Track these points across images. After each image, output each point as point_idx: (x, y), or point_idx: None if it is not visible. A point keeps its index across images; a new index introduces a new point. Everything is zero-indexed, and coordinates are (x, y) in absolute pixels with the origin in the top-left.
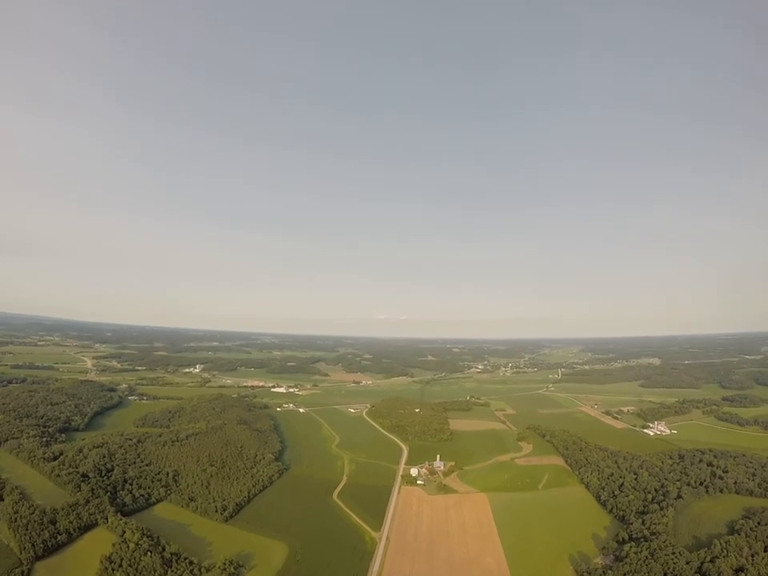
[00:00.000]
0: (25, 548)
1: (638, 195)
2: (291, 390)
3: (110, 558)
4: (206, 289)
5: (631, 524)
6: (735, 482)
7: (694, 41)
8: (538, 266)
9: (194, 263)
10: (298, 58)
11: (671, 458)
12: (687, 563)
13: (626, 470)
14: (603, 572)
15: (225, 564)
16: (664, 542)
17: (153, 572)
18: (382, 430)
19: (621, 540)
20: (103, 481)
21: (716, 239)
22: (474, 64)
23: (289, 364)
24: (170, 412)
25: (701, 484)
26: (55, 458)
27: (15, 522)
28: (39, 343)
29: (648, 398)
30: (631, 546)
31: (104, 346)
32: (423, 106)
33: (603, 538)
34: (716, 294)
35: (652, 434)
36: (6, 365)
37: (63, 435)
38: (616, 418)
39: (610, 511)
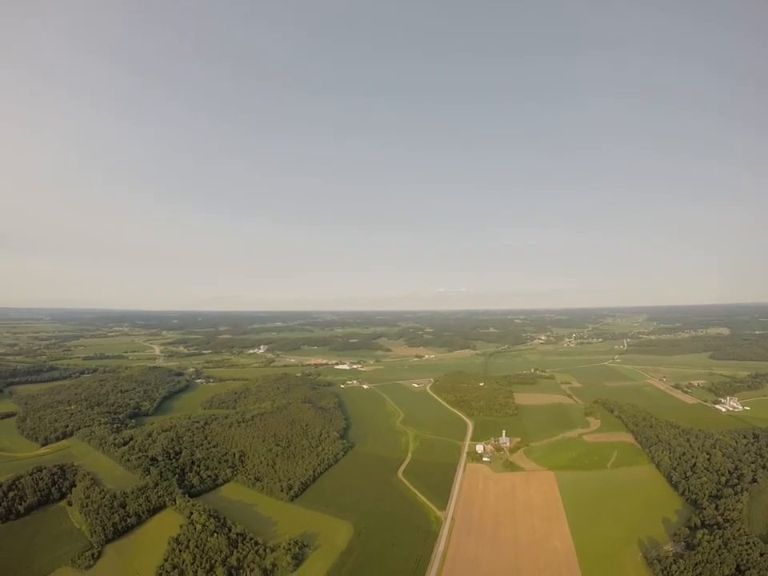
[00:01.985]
0: (95, 531)
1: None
2: (354, 366)
3: (177, 539)
4: (269, 273)
5: (704, 509)
6: None
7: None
8: (592, 241)
9: (258, 252)
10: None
11: (745, 437)
12: (761, 555)
13: (699, 449)
14: (674, 560)
15: (289, 544)
16: (738, 530)
17: (219, 553)
18: (446, 404)
19: (693, 526)
20: (171, 463)
21: None
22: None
23: (351, 341)
24: (235, 393)
25: None
26: (125, 443)
27: (86, 506)
28: (109, 334)
29: (719, 371)
30: (704, 534)
31: (171, 332)
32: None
33: (674, 523)
34: None
35: (724, 410)
36: (78, 357)
37: (133, 421)
38: (686, 392)
39: (682, 493)
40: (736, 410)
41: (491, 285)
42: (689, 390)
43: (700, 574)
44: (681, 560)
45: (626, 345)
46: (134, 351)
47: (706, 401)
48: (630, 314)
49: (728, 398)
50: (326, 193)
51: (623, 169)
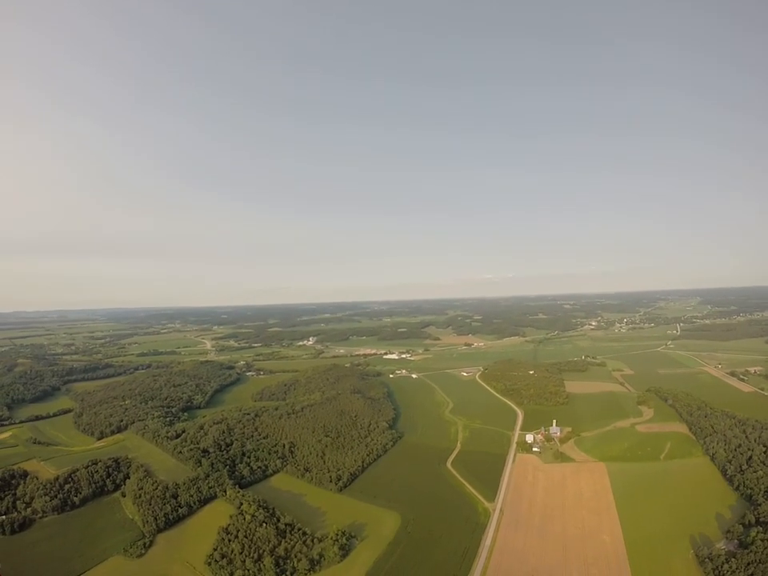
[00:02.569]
0: (147, 521)
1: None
2: (403, 355)
3: (226, 529)
4: (317, 267)
5: (759, 505)
6: None
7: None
8: (648, 214)
9: (308, 241)
10: None
11: None
12: None
13: (755, 441)
14: (726, 559)
15: (337, 534)
16: None
17: (267, 543)
18: (495, 393)
19: (747, 523)
20: (222, 455)
21: None
22: None
23: (399, 330)
24: (285, 385)
25: None
26: (177, 436)
27: (139, 497)
28: (162, 331)
29: None
30: (758, 532)
31: (221, 327)
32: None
33: (728, 520)
34: None
35: None
36: (132, 354)
37: (186, 414)
38: (742, 380)
39: (737, 488)
40: None
41: (540, 268)
42: (745, 378)
43: (752, 574)
44: (733, 559)
45: (679, 330)
46: (186, 347)
47: (763, 389)
48: (683, 298)
49: None
50: (369, 180)
51: (677, 155)
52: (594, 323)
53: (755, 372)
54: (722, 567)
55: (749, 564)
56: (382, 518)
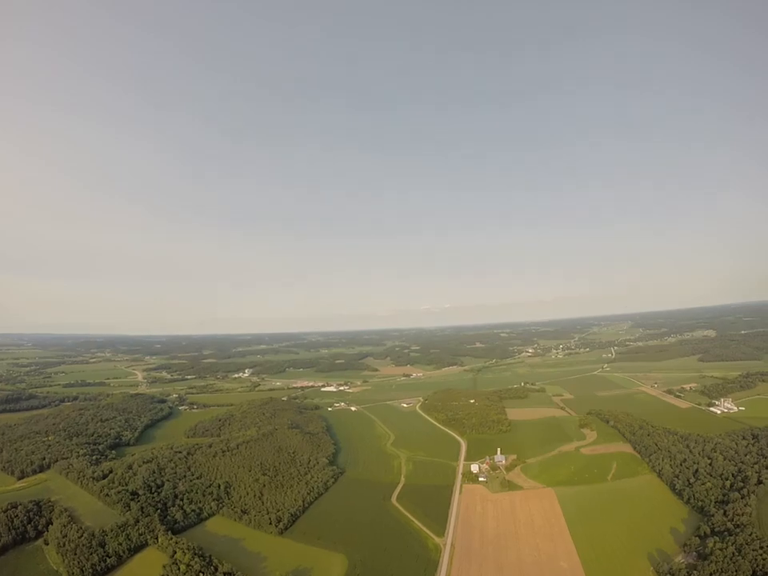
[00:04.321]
0: (73, 573)
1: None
2: (341, 387)
3: None
4: (249, 294)
5: (712, 516)
6: None
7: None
8: (576, 246)
9: (236, 269)
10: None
11: (744, 438)
12: None
13: (699, 454)
14: (687, 572)
15: None
16: (750, 535)
17: None
18: (437, 424)
19: (702, 534)
20: (153, 497)
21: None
22: None
23: (337, 361)
24: (219, 420)
25: None
26: (104, 477)
27: (64, 546)
28: (91, 360)
29: (709, 373)
30: (715, 542)
31: (154, 357)
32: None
33: (683, 533)
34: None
35: (719, 412)
36: (59, 384)
37: (114, 452)
38: (678, 397)
39: (687, 501)
40: (731, 411)
41: (475, 299)
42: (681, 395)
43: None
44: (694, 571)
45: (613, 353)
46: (116, 378)
47: (699, 404)
48: (615, 322)
49: (722, 399)
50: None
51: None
52: (530, 350)
53: (690, 388)
54: None
55: (711, 574)
56: (327, 562)
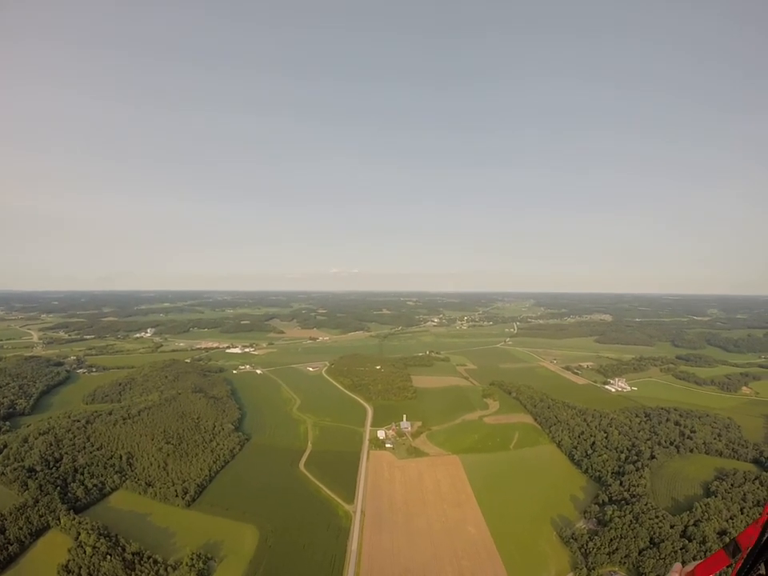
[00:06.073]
0: None
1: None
2: (247, 349)
3: (66, 566)
4: (157, 249)
5: (609, 485)
6: (704, 443)
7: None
8: (491, 226)
9: (148, 225)
10: None
11: (638, 416)
12: (672, 527)
13: (596, 428)
14: (590, 538)
15: (192, 559)
16: (645, 504)
17: None
18: (343, 389)
19: (601, 502)
20: (52, 474)
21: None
22: None
23: (243, 322)
24: (120, 384)
25: (671, 444)
26: None
27: None
28: None
29: (605, 354)
30: (614, 510)
31: (51, 315)
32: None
33: (583, 501)
34: (671, 256)
35: (613, 390)
36: None
37: (7, 423)
38: (576, 374)
39: (585, 471)
40: (624, 390)
41: (383, 267)
42: (579, 372)
43: (617, 548)
44: (596, 536)
45: (516, 328)
46: (9, 339)
47: (595, 381)
48: (518, 300)
49: (616, 378)
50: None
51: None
52: (436, 320)
53: (587, 366)
54: (587, 545)
55: (612, 540)
56: (238, 533)
